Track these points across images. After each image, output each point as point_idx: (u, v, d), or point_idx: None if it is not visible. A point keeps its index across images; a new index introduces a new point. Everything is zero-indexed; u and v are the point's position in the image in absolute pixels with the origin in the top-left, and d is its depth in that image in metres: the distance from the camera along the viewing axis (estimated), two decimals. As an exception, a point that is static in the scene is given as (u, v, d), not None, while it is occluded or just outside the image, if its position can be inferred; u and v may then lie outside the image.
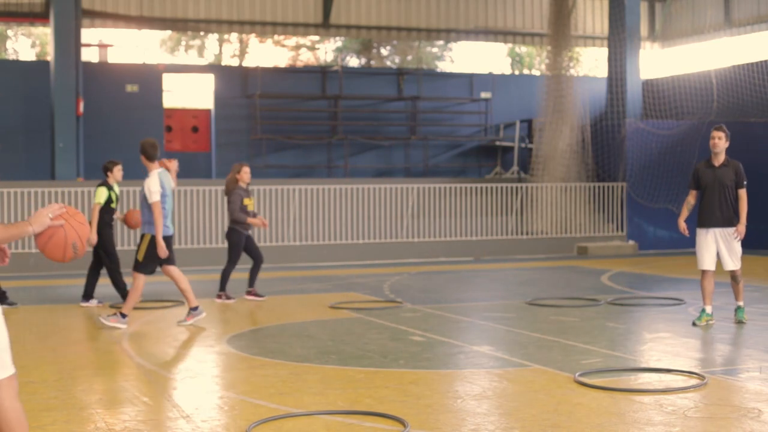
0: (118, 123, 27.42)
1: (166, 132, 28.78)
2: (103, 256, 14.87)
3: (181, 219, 22.33)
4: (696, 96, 27.35)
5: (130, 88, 27.81)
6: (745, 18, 30.48)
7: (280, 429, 7.23)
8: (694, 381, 8.70)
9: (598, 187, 26.52)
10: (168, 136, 28.90)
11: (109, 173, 14.81)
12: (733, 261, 12.37)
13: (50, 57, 25.15)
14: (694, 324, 12.20)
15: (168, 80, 29.09)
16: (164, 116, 28.50)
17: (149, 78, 28.13)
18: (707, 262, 12.34)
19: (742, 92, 25.93)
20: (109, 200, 14.72)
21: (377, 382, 8.82)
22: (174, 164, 13.35)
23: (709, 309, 12.28)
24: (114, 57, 32.53)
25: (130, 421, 7.47)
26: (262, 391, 8.52)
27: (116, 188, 15.01)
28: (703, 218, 12.40)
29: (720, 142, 12.42)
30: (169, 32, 42.41)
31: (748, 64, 26.52)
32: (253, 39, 45.36)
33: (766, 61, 25.94)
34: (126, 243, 21.20)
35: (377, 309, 14.04)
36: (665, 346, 11.00)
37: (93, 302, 14.96)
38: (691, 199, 12.68)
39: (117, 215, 15.07)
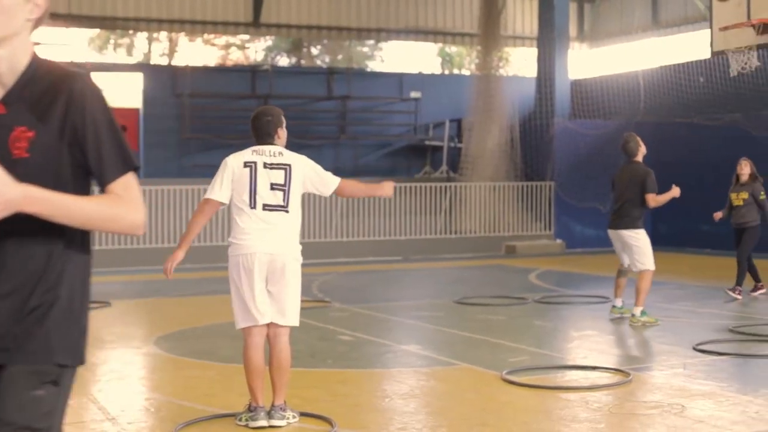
0: (44, 122, 27.06)
1: (94, 131, 28.46)
2: None
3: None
4: (624, 96, 27.60)
5: (57, 86, 27.47)
6: (672, 19, 30.84)
7: (207, 430, 7.21)
8: (619, 378, 8.80)
9: (527, 186, 26.69)
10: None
11: None
12: None
13: (-25, 55, 24.78)
14: (626, 323, 12.37)
15: (96, 79, 28.75)
16: (92, 115, 28.16)
17: (77, 76, 27.79)
18: None
19: (669, 93, 26.22)
20: None
21: (305, 382, 8.82)
22: None
23: None
24: (41, 55, 32.08)
25: (55, 424, 7.39)
26: (189, 392, 8.48)
27: None
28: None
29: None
30: (97, 30, 41.94)
31: (674, 64, 26.84)
32: (182, 38, 45.02)
33: (692, 62, 26.26)
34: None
35: (305, 309, 13.95)
36: (591, 343, 11.12)
37: None
38: None
39: None
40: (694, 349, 10.31)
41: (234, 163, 7.38)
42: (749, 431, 6.97)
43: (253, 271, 7.23)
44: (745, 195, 15.26)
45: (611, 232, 12.57)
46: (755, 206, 15.23)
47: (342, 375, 9.26)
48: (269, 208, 7.30)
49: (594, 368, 9.39)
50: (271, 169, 7.36)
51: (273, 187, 7.32)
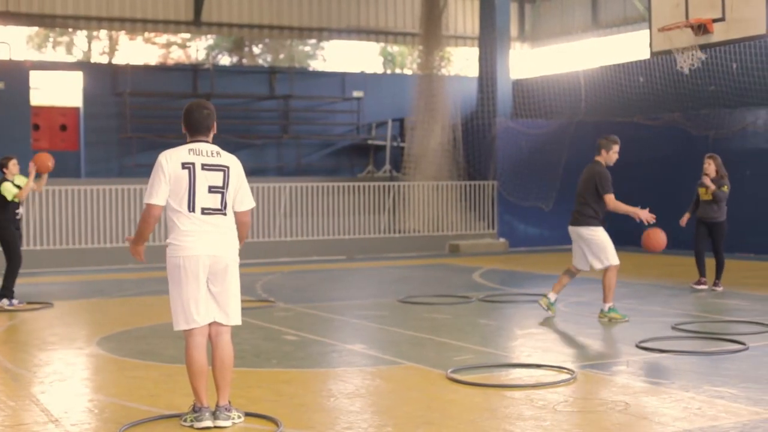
0: (-18, 121, 26.75)
1: (34, 130, 28.18)
2: (5, 253, 14.53)
3: (49, 219, 21.92)
4: (565, 96, 27.82)
5: (-4, 85, 27.18)
6: (611, 19, 31.10)
7: (152, 431, 7.15)
8: (563, 376, 8.85)
9: (470, 185, 26.79)
10: (35, 134, 28.31)
11: (5, 170, 14.49)
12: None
13: None
14: (606, 320, 12.43)
15: (35, 77, 28.49)
16: (31, 114, 27.89)
17: (16, 75, 27.49)
18: None
19: (610, 92, 26.45)
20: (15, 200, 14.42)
21: (250, 382, 8.78)
22: None
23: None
24: (-21, 54, 31.75)
25: (-3, 426, 7.32)
26: (133, 393, 8.41)
27: (18, 181, 14.64)
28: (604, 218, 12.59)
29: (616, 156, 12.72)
30: (36, 28, 41.53)
31: (614, 64, 27.07)
32: (122, 36, 44.72)
33: (632, 62, 26.49)
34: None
35: (250, 309, 13.95)
36: (535, 341, 11.17)
37: (9, 302, 14.58)
38: None
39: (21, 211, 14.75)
40: (637, 346, 10.40)
41: (170, 164, 7.16)
42: (692, 427, 7.03)
43: (197, 274, 7.17)
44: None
45: (570, 229, 12.63)
46: (724, 201, 15.57)
47: (287, 375, 9.23)
48: (208, 212, 7.20)
49: (538, 366, 9.43)
50: (209, 170, 7.22)
51: (211, 190, 7.21)
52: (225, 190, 7.25)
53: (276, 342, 11.22)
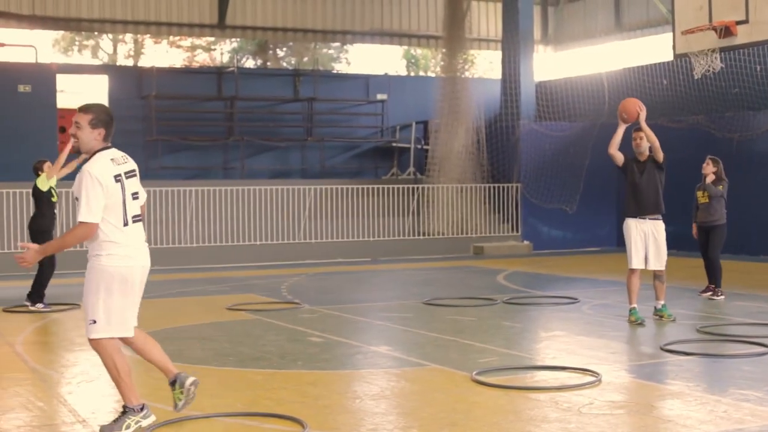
0: (9, 124, 26.87)
1: (60, 133, 28.31)
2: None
3: (75, 221, 21.99)
4: (588, 98, 27.76)
5: (23, 88, 27.28)
6: (634, 22, 31.06)
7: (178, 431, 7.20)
8: (588, 378, 8.85)
9: (493, 187, 26.78)
10: (62, 137, 28.40)
11: (40, 173, 14.65)
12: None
13: (-61, 56, 24.58)
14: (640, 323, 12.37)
15: (61, 80, 28.63)
16: (58, 117, 28.02)
17: (42, 78, 27.65)
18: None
19: (632, 94, 26.29)
20: (50, 194, 14.58)
21: (276, 384, 8.82)
22: None
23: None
24: (5, 56, 31.91)
25: (25, 427, 7.37)
26: (159, 394, 8.44)
27: (52, 183, 14.83)
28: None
29: (642, 142, 12.74)
30: (62, 32, 41.75)
31: (637, 67, 27.03)
32: (148, 39, 44.89)
33: (655, 64, 26.43)
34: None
35: (275, 310, 14.00)
36: (560, 344, 11.17)
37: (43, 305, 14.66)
38: None
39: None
40: (662, 349, 10.39)
41: (104, 178, 6.90)
42: (717, 430, 7.03)
43: (137, 284, 7.13)
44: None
45: None
46: (722, 204, 15.33)
47: (312, 376, 9.26)
48: (135, 220, 7.10)
49: (563, 368, 9.43)
50: (129, 178, 7.11)
51: (134, 197, 7.12)
52: (140, 195, 7.20)
53: (301, 343, 11.26)
